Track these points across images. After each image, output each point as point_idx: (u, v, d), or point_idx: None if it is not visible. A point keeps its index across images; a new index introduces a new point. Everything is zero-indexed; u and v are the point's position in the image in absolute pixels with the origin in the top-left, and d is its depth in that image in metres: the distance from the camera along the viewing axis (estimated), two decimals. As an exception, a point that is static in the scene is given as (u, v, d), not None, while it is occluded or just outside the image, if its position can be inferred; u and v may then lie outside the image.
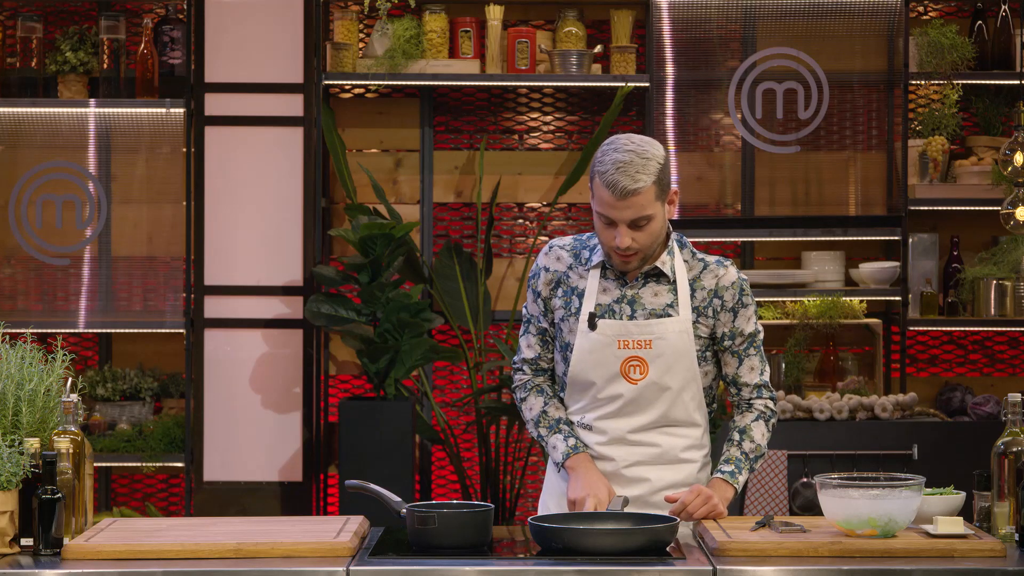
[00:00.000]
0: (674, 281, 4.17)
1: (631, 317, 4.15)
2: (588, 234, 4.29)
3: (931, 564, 3.55)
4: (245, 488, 6.84)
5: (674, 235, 4.23)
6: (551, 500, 4.41)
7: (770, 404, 4.22)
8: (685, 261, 4.20)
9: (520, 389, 4.33)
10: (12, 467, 3.62)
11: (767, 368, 4.24)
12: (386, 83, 7.13)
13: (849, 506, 3.70)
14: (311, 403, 6.87)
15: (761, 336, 4.23)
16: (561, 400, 4.30)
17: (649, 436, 4.20)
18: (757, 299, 7.12)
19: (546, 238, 7.49)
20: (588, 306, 4.16)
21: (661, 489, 4.16)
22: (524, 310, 4.32)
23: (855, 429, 6.73)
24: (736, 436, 4.19)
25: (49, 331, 6.76)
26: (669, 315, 4.15)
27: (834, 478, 3.81)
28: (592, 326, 4.14)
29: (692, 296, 4.17)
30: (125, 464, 6.95)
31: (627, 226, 4.04)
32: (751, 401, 4.22)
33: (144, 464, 6.87)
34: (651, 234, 4.08)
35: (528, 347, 4.31)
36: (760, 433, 4.19)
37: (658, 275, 4.17)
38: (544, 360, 4.31)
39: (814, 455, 6.70)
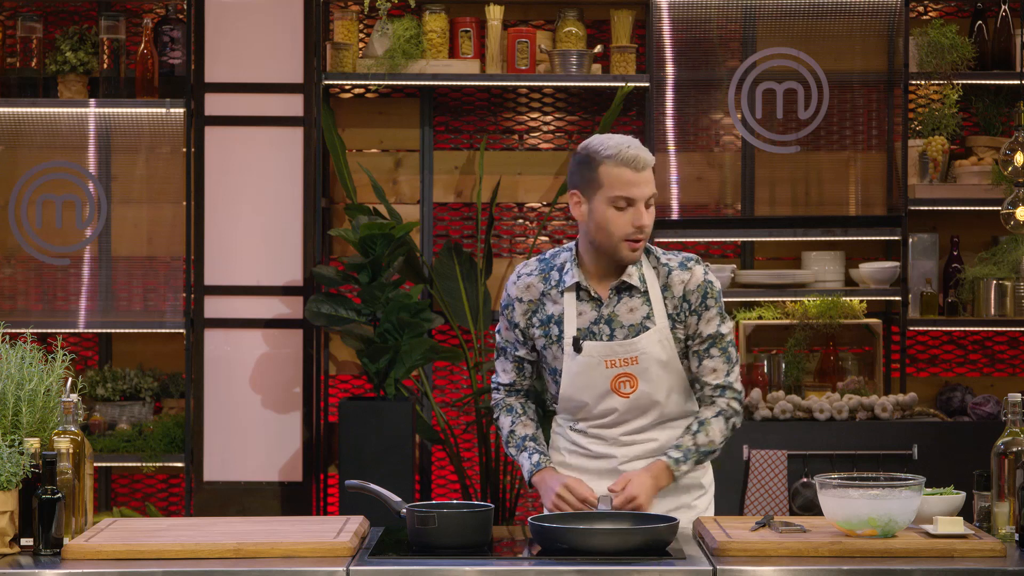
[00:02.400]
0: (645, 291, 4.20)
1: (611, 337, 4.18)
2: (551, 251, 4.32)
3: (931, 564, 3.55)
4: (245, 488, 6.84)
5: None
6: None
7: (733, 404, 4.23)
8: (653, 268, 4.22)
9: (495, 409, 4.41)
10: (12, 467, 3.62)
11: (734, 369, 4.24)
12: (386, 83, 7.13)
13: (849, 506, 3.70)
14: (311, 403, 6.87)
15: (728, 338, 4.23)
16: (532, 416, 4.38)
17: (645, 435, 4.25)
18: (757, 299, 7.19)
19: (546, 238, 7.49)
20: (569, 330, 4.20)
21: None
22: (498, 336, 4.35)
23: (855, 429, 6.73)
24: (695, 426, 4.21)
25: (49, 331, 6.76)
26: (647, 328, 4.18)
27: (834, 478, 3.81)
28: (578, 349, 4.18)
29: (664, 304, 4.20)
30: (125, 464, 6.95)
31: (643, 204, 4.12)
32: (713, 398, 4.24)
33: (144, 464, 6.87)
34: (653, 216, 4.16)
35: (504, 372, 4.37)
36: (718, 429, 4.20)
37: (629, 288, 4.20)
38: (519, 384, 4.37)
39: (814, 455, 6.70)
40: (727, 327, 4.24)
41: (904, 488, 3.70)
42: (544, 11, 7.42)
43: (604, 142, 4.14)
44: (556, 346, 4.22)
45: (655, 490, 4.13)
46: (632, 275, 4.18)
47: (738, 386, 4.25)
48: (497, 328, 4.36)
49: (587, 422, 4.27)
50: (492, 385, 4.41)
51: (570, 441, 4.33)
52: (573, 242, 4.28)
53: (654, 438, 4.24)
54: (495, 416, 4.41)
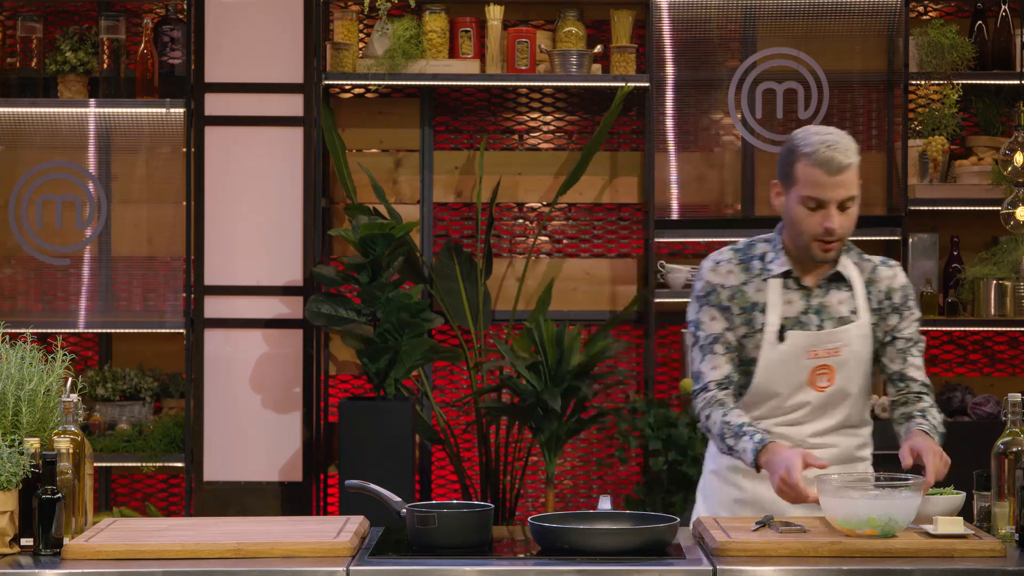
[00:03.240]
0: (851, 284, 4.14)
1: (820, 327, 4.11)
2: (744, 242, 4.23)
3: (931, 564, 3.55)
4: (245, 488, 6.84)
5: None
6: (715, 505, 4.26)
7: (931, 400, 4.16)
8: (855, 263, 4.17)
9: (703, 410, 4.16)
10: (12, 467, 3.61)
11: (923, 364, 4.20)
12: (386, 83, 7.13)
13: (849, 506, 3.70)
14: (311, 403, 6.87)
15: (923, 346, 4.19)
16: (742, 408, 4.17)
17: (829, 439, 4.16)
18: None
19: (546, 238, 7.49)
20: (773, 319, 4.10)
21: None
22: (698, 334, 4.17)
23: (855, 429, 6.72)
24: (923, 409, 4.11)
25: (49, 331, 6.75)
26: (852, 320, 4.12)
27: (834, 478, 3.81)
28: (782, 338, 4.09)
29: (868, 298, 4.15)
30: (125, 464, 6.95)
31: (836, 207, 4.03)
32: (920, 395, 4.15)
33: (144, 464, 6.87)
34: (852, 219, 4.06)
35: (714, 368, 4.16)
36: (937, 414, 4.11)
37: (838, 279, 4.14)
38: (733, 376, 4.16)
39: (814, 455, 6.69)
40: (922, 336, 4.20)
41: (904, 488, 3.70)
42: (544, 11, 7.42)
43: (807, 137, 4.07)
44: (758, 334, 4.11)
45: (942, 456, 3.98)
46: (846, 266, 4.12)
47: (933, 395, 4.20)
48: (692, 322, 4.19)
49: (774, 419, 4.15)
50: (695, 389, 4.19)
51: None
52: (770, 233, 4.19)
53: (836, 443, 4.15)
54: (704, 415, 4.14)
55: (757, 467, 3.99)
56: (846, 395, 4.13)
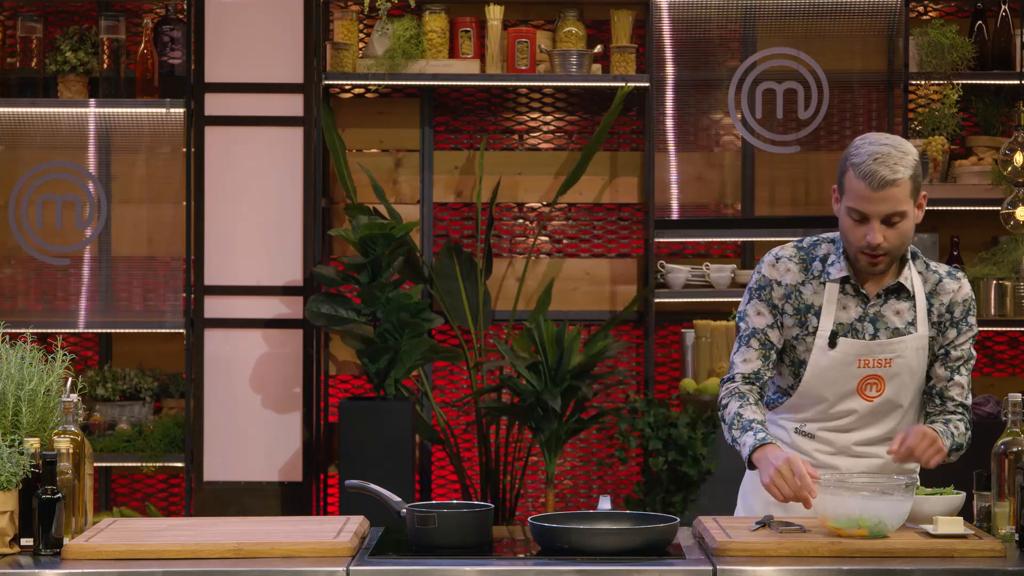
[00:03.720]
0: (913, 296, 4.06)
1: (873, 336, 4.03)
2: (809, 240, 4.14)
3: (931, 564, 3.55)
4: (245, 488, 6.84)
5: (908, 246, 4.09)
6: (757, 507, 4.20)
7: (969, 425, 4.07)
8: (920, 273, 4.08)
9: (724, 398, 4.11)
10: (12, 467, 3.61)
11: (970, 394, 4.11)
12: (386, 83, 7.13)
13: (840, 506, 3.70)
14: (311, 403, 6.87)
15: (973, 362, 4.10)
16: (763, 407, 4.11)
17: (874, 449, 4.10)
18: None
19: (546, 238, 7.49)
20: (827, 323, 4.03)
21: None
22: (742, 323, 4.12)
23: (855, 429, 6.72)
24: (946, 419, 4.04)
25: (49, 331, 6.75)
26: (910, 332, 4.04)
27: (826, 477, 3.81)
28: (832, 344, 4.02)
29: (929, 312, 4.07)
30: (125, 464, 6.95)
31: (880, 222, 3.92)
32: (954, 412, 4.07)
33: (144, 464, 6.87)
34: (902, 234, 3.94)
35: (744, 361, 4.10)
36: (964, 431, 4.03)
37: (899, 290, 4.05)
38: (762, 373, 4.10)
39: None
40: (975, 353, 4.11)
41: (896, 490, 3.70)
42: (544, 11, 7.42)
43: (859, 146, 3.94)
44: (810, 337, 4.04)
45: (934, 441, 3.91)
46: (907, 278, 4.04)
47: (968, 399, 4.12)
48: (740, 313, 4.13)
49: (819, 423, 4.10)
50: (724, 378, 4.13)
51: (791, 445, 4.13)
52: (835, 233, 4.09)
53: (880, 454, 4.07)
54: (723, 403, 4.09)
55: (750, 464, 3.96)
56: (896, 407, 4.07)
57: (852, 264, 4.04)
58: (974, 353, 4.12)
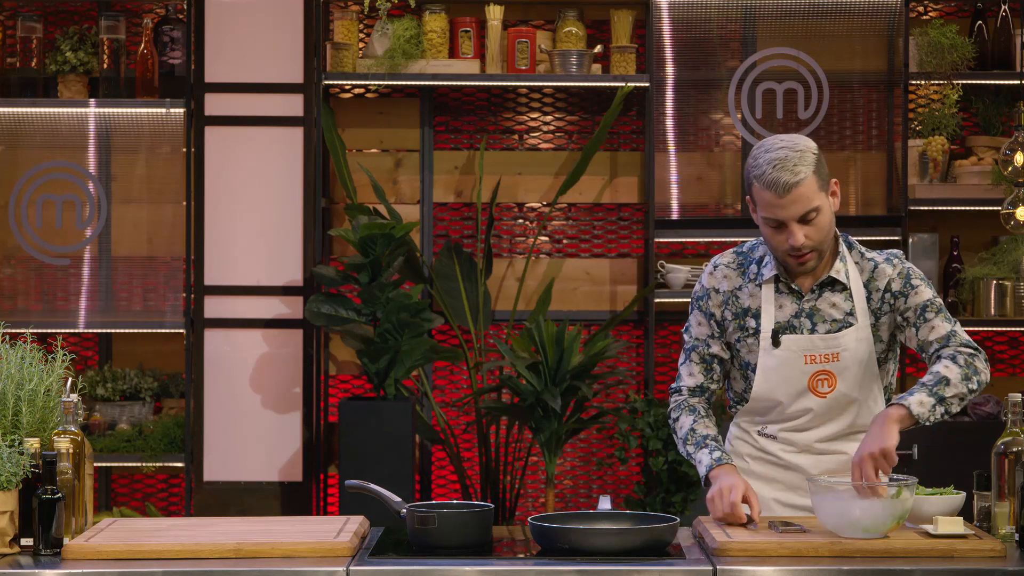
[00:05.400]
0: (848, 287, 4.06)
1: (812, 331, 4.05)
2: (749, 244, 4.18)
3: (931, 564, 3.55)
4: (245, 488, 6.84)
5: (841, 236, 4.10)
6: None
7: (962, 349, 3.98)
8: (856, 263, 4.09)
9: (674, 411, 4.18)
10: (12, 467, 3.61)
11: (957, 325, 4.03)
12: (386, 83, 7.14)
13: (835, 506, 3.70)
14: (311, 403, 6.87)
15: (938, 302, 4.03)
16: (713, 420, 4.16)
17: (837, 445, 4.12)
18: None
19: (546, 238, 7.49)
20: (767, 323, 4.06)
21: None
22: (686, 335, 4.18)
23: (855, 429, 6.72)
24: (919, 385, 3.98)
25: (49, 331, 6.76)
26: (850, 324, 4.05)
27: (824, 479, 3.82)
28: (776, 343, 4.05)
29: (868, 300, 4.07)
30: (125, 464, 6.95)
31: (797, 222, 3.94)
32: (938, 353, 4.01)
33: (144, 464, 6.87)
34: (821, 228, 3.97)
35: (689, 375, 4.17)
36: (944, 367, 3.95)
37: (832, 283, 4.07)
38: (705, 386, 4.17)
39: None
40: (938, 297, 4.06)
41: (891, 490, 3.70)
42: (544, 11, 7.42)
43: (757, 156, 3.96)
44: (752, 339, 4.07)
45: (892, 420, 3.86)
46: (839, 271, 4.05)
47: (965, 337, 4.02)
48: (685, 327, 4.19)
49: (778, 425, 4.12)
50: (672, 388, 4.20)
51: (757, 448, 4.17)
52: None
53: (844, 450, 4.09)
54: (673, 417, 4.17)
55: (707, 481, 4.01)
56: (851, 401, 4.09)
57: (784, 266, 4.08)
58: (937, 300, 4.05)
